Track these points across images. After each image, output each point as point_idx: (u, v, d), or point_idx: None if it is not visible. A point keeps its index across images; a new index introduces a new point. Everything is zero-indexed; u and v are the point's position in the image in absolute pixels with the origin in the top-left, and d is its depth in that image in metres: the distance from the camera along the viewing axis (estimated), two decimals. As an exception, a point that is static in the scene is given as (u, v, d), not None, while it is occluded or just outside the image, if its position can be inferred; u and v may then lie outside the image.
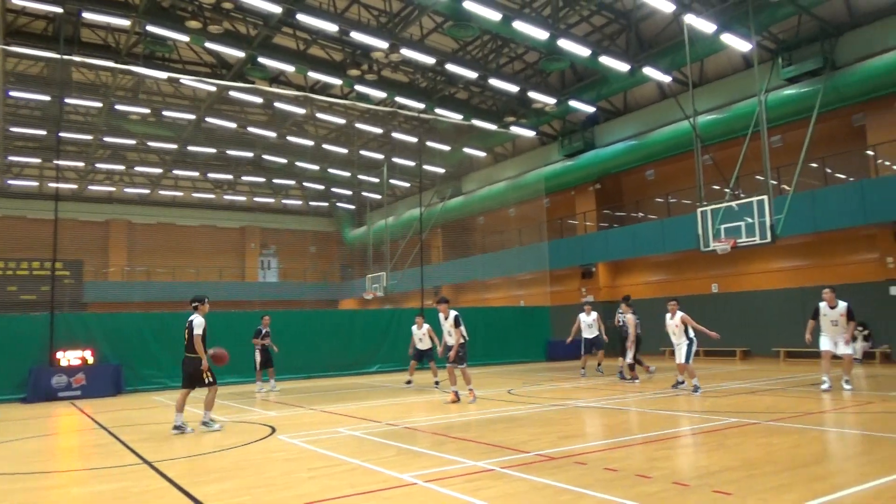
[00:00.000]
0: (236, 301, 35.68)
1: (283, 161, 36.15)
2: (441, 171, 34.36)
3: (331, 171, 37.53)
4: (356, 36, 20.59)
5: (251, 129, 30.92)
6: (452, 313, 11.78)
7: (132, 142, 32.31)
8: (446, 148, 31.86)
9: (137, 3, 19.27)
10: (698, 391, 12.14)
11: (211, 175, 39.62)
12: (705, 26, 18.41)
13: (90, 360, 15.94)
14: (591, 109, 26.20)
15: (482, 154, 33.23)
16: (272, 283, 44.61)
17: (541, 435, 8.12)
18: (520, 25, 19.21)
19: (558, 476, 5.83)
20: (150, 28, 19.97)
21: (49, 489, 6.32)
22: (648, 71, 21.75)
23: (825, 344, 11.96)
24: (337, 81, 24.70)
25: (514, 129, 28.31)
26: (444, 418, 10.00)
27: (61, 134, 26.09)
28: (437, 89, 26.92)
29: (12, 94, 24.97)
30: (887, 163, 19.51)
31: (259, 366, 15.29)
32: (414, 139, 31.09)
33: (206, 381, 9.43)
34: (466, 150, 31.66)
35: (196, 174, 39.52)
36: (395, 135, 32.19)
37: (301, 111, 29.23)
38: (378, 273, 32.00)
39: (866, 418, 8.87)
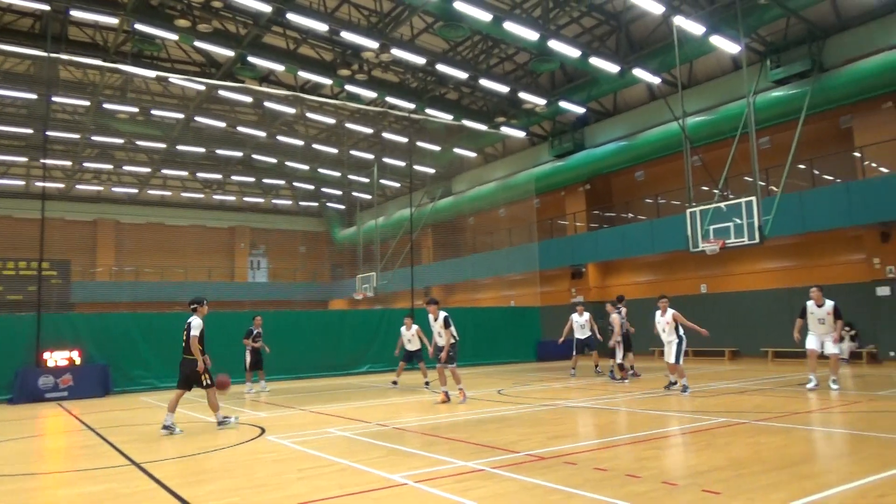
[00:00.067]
0: (226, 301, 35.47)
1: (273, 161, 36.02)
2: (431, 171, 34.36)
3: (321, 170, 37.44)
4: (346, 36, 20.55)
5: (241, 129, 30.78)
6: (442, 314, 11.76)
7: (120, 141, 32.12)
8: (436, 148, 31.86)
9: (126, 1, 19.13)
10: (687, 391, 12.20)
11: (200, 175, 39.43)
12: (694, 28, 18.52)
13: (77, 361, 15.79)
14: (581, 110, 26.28)
15: (472, 154, 33.26)
16: (262, 284, 44.45)
17: (531, 435, 8.13)
18: (510, 26, 19.24)
19: (548, 476, 5.84)
20: (139, 26, 19.82)
21: (35, 491, 6.26)
22: (638, 72, 21.84)
23: (812, 343, 12.11)
24: (327, 81, 24.64)
25: (505, 130, 28.35)
26: (433, 419, 9.99)
27: (48, 132, 25.92)
28: (428, 89, 26.91)
29: (-1, 92, 24.78)
30: (874, 164, 19.70)
31: (249, 366, 15.23)
32: (404, 139, 31.07)
33: (205, 383, 9.40)
34: (457, 150, 31.68)
35: (185, 174, 39.33)
36: (386, 135, 32.17)
37: (291, 111, 29.14)
38: (368, 273, 31.95)
39: (853, 417, 8.94)
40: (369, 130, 31.93)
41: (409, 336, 15.16)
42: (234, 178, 39.85)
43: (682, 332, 12.54)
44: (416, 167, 32.44)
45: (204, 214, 44.02)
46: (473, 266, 31.96)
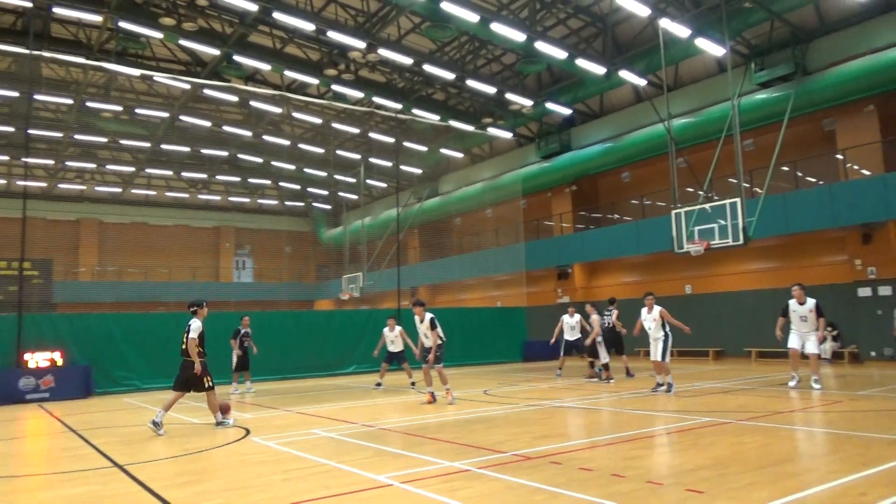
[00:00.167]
0: (211, 301, 35.04)
1: (259, 160, 35.84)
2: (418, 171, 34.33)
3: (307, 170, 37.29)
4: (333, 35, 20.48)
5: (226, 128, 30.60)
6: (428, 316, 11.70)
7: (104, 140, 31.79)
8: (423, 148, 31.85)
9: (110, -2, 18.96)
10: (672, 389, 12.27)
11: (185, 174, 39.13)
12: (680, 31, 18.66)
13: (59, 362, 15.61)
14: (567, 111, 26.38)
15: (459, 155, 33.28)
16: (247, 284, 44.23)
17: (517, 435, 8.14)
18: (497, 27, 19.27)
19: (534, 476, 5.85)
20: (123, 24, 19.62)
21: (15, 494, 6.17)
22: (624, 74, 21.96)
23: (794, 342, 12.29)
24: (314, 81, 24.55)
25: (492, 131, 28.39)
26: (420, 419, 9.98)
27: (30, 131, 25.60)
28: (415, 90, 26.89)
29: (-21, 89, 24.43)
30: (856, 167, 19.94)
31: (235, 367, 15.13)
32: (391, 139, 31.02)
33: (206, 385, 9.39)
34: (443, 150, 31.67)
35: (170, 173, 39.03)
36: (372, 135, 32.10)
37: (277, 110, 29.00)
38: (354, 273, 31.87)
39: (834, 417, 9.04)
40: (356, 130, 31.84)
41: (393, 337, 15.12)
42: (220, 177, 39.61)
43: (668, 329, 12.61)
44: (403, 167, 32.41)
45: (189, 214, 43.69)
46: (460, 266, 31.98)
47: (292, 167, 36.18)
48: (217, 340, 15.15)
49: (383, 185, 39.51)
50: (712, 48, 19.33)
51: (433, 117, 27.47)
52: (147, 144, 32.18)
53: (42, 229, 32.10)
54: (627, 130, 25.46)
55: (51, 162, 34.68)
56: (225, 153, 34.59)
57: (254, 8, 18.73)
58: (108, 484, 6.21)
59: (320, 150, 33.94)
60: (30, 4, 18.59)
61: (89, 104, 26.60)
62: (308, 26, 20.19)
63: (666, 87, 19.31)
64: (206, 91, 25.01)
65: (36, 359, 15.35)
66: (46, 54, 20.66)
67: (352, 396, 13.91)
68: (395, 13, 20.50)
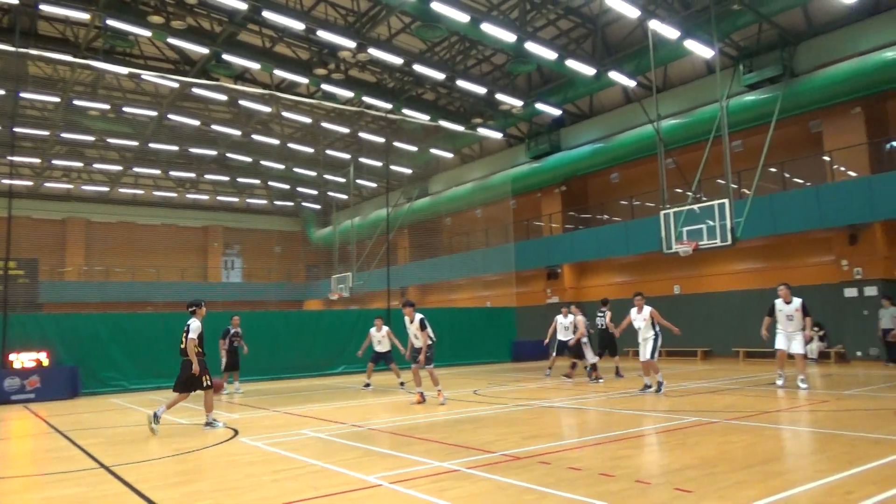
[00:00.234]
0: (199, 301, 35.00)
1: (248, 160, 35.65)
2: (408, 171, 34.30)
3: (296, 170, 37.16)
4: (323, 35, 20.41)
5: (215, 127, 30.43)
6: (418, 316, 11.65)
7: (91, 138, 31.53)
8: (413, 148, 31.82)
9: (97, -4, 18.80)
10: (661, 389, 12.33)
11: (173, 173, 38.88)
12: (669, 32, 18.75)
13: (45, 363, 15.47)
14: (557, 112, 26.44)
15: (449, 155, 33.28)
16: (236, 284, 43.99)
17: (506, 435, 8.15)
18: (488, 28, 19.28)
19: (523, 476, 5.86)
20: (111, 22, 19.45)
21: (0, 496, 6.11)
22: (614, 75, 22.04)
23: (780, 342, 12.40)
24: (303, 80, 24.44)
25: (481, 131, 28.41)
26: (409, 419, 9.97)
27: (16, 129, 25.34)
28: (405, 90, 26.86)
29: (-36, 87, 24.14)
30: (843, 168, 20.11)
31: (224, 367, 15.05)
32: (381, 139, 30.98)
33: (205, 384, 9.41)
34: (433, 150, 31.67)
35: (158, 172, 38.76)
36: (362, 135, 32.03)
37: (266, 109, 28.86)
38: (344, 273, 31.80)
39: (821, 416, 9.11)
40: (346, 130, 31.77)
41: (380, 337, 15.10)
42: (208, 176, 39.37)
43: (657, 328, 12.68)
44: (393, 167, 32.37)
45: (177, 213, 43.42)
46: (450, 266, 31.99)
47: (282, 167, 36.03)
48: (206, 340, 15.07)
49: (373, 184, 39.44)
50: (701, 50, 19.44)
51: (423, 117, 27.45)
52: (135, 143, 31.94)
53: (28, 228, 31.82)
54: (617, 131, 25.56)
55: (37, 160, 34.36)
56: (214, 152, 34.39)
57: (243, 6, 18.62)
58: (95, 485, 6.16)
59: (310, 150, 33.83)
60: (16, 1, 18.42)
61: (76, 102, 26.37)
62: (298, 25, 20.12)
63: (655, 89, 19.39)
64: (195, 90, 24.85)
65: (21, 359, 15.21)
66: (33, 52, 20.45)
67: (341, 397, 13.88)
68: (386, 13, 20.46)
